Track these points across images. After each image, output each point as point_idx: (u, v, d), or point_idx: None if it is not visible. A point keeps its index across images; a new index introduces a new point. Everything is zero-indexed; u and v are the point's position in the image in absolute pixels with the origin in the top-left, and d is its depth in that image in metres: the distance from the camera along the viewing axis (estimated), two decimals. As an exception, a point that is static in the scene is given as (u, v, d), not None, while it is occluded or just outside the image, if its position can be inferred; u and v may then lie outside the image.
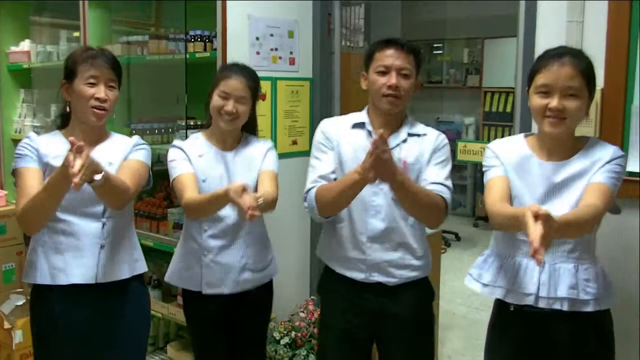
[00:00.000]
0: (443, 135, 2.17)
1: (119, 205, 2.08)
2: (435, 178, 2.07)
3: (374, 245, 2.11)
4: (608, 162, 1.83)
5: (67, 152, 1.76)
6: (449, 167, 2.12)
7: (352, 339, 2.20)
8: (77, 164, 1.72)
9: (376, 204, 2.08)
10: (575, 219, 1.71)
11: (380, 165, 1.78)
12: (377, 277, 2.12)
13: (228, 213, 2.27)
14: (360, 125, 2.17)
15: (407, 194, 1.92)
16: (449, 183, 2.09)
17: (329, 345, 2.28)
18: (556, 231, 1.57)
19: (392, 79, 2.04)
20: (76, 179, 1.70)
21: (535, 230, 1.51)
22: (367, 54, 2.13)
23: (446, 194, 2.05)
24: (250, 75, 2.31)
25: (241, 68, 2.32)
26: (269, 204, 2.20)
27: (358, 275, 2.14)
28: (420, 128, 2.16)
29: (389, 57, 2.05)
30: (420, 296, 2.19)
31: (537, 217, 1.53)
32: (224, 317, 2.38)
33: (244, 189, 1.93)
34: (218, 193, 2.06)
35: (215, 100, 2.25)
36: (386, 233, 2.10)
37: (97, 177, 1.84)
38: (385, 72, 2.06)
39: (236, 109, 2.25)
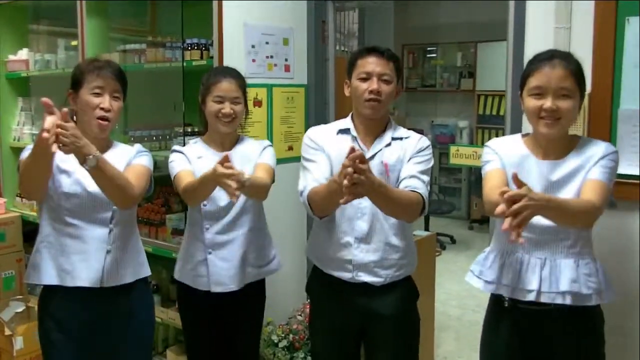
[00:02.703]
0: (425, 138, 2.24)
1: (125, 202, 2.10)
2: (410, 171, 2.13)
3: (360, 245, 2.17)
4: (602, 157, 1.89)
5: (46, 117, 1.77)
6: (427, 167, 2.18)
7: (340, 337, 2.28)
8: (48, 120, 1.73)
9: (362, 206, 2.13)
10: (570, 205, 1.78)
11: (357, 187, 1.78)
12: (363, 277, 2.17)
13: (227, 209, 2.35)
14: (345, 131, 2.24)
15: (382, 196, 1.94)
16: (425, 178, 2.14)
17: (319, 343, 2.36)
18: (541, 208, 1.62)
19: (374, 84, 2.12)
20: (45, 135, 1.71)
21: (501, 208, 1.58)
22: (350, 62, 2.22)
23: (421, 188, 2.09)
24: (238, 75, 2.40)
25: (227, 70, 2.42)
26: (259, 189, 2.27)
27: (345, 275, 2.19)
28: (403, 132, 2.23)
29: (371, 64, 2.14)
30: (404, 296, 2.25)
31: (513, 200, 1.58)
32: (218, 312, 2.44)
33: (226, 160, 2.00)
34: (206, 172, 2.11)
35: (211, 105, 2.33)
36: (371, 233, 2.16)
37: (89, 157, 1.86)
38: (367, 78, 2.13)
39: (233, 110, 2.33)
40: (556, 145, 1.95)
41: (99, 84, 2.10)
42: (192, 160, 2.37)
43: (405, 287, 2.26)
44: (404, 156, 2.17)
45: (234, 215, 2.38)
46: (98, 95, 2.10)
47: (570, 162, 1.92)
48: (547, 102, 1.85)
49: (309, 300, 3.32)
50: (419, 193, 2.08)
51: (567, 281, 1.89)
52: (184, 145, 2.84)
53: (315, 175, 2.16)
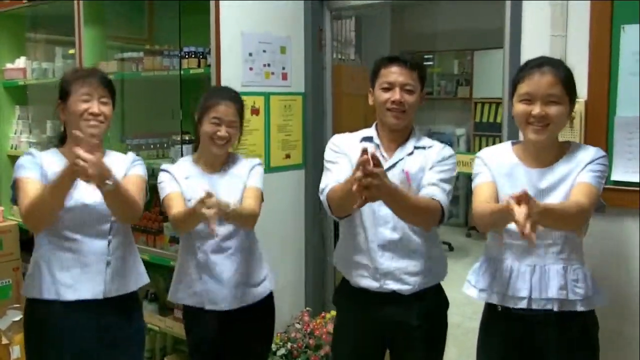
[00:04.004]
0: (449, 148, 2.22)
1: (130, 217, 2.13)
2: (430, 179, 2.11)
3: (385, 253, 2.14)
4: (590, 162, 1.91)
5: (75, 149, 1.80)
6: (449, 175, 2.15)
7: (366, 350, 2.25)
8: (88, 156, 1.79)
9: (383, 213, 2.11)
10: (560, 209, 1.78)
11: (370, 191, 1.77)
12: (391, 285, 2.15)
13: (217, 229, 2.31)
14: (368, 139, 2.22)
15: (398, 202, 1.93)
16: (446, 186, 2.11)
17: (342, 354, 2.32)
18: (540, 215, 1.62)
19: (396, 94, 2.10)
20: (81, 164, 1.77)
21: (520, 211, 1.58)
22: (373, 71, 2.20)
23: (440, 195, 2.07)
24: (237, 99, 2.38)
25: (227, 92, 2.39)
26: (246, 219, 2.26)
27: (372, 285, 2.17)
28: (426, 141, 2.22)
29: (393, 73, 2.12)
30: (434, 306, 2.23)
31: (519, 200, 1.60)
32: (223, 333, 2.41)
33: (208, 196, 2.00)
34: (190, 208, 2.12)
35: (207, 127, 2.30)
36: (397, 241, 2.14)
37: (108, 182, 1.89)
38: (389, 88, 2.12)
39: (228, 133, 2.31)
40: (546, 152, 1.96)
41: (86, 91, 2.10)
42: (179, 180, 2.35)
43: (434, 296, 2.23)
44: (426, 165, 2.15)
45: (223, 235, 2.33)
46: (86, 101, 2.10)
47: (559, 170, 1.94)
48: (536, 109, 1.87)
49: (307, 309, 3.33)
50: (438, 201, 2.06)
51: (555, 288, 1.91)
52: (182, 153, 2.85)
53: (336, 175, 2.14)
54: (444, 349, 2.30)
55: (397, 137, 2.20)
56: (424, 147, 2.19)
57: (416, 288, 2.16)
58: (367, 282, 2.18)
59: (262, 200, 2.39)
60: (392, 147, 2.19)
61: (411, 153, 2.17)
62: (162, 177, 2.38)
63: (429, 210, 2.04)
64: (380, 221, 2.14)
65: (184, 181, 2.35)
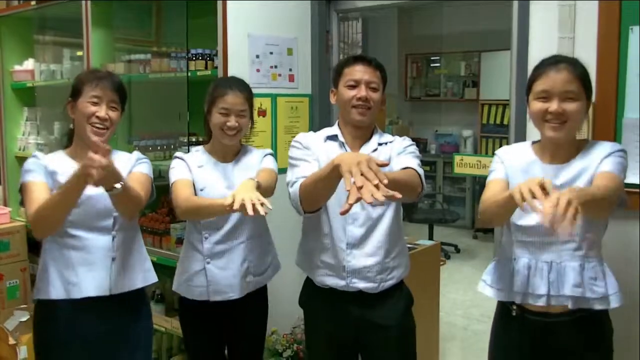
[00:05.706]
0: (408, 138, 2.27)
1: (132, 214, 2.15)
2: (401, 159, 2.14)
3: (353, 251, 2.16)
4: (608, 155, 1.89)
5: (90, 154, 1.81)
6: (417, 155, 2.18)
7: (337, 348, 2.26)
8: (99, 159, 1.78)
9: (353, 211, 2.07)
10: (595, 192, 1.73)
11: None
12: (357, 284, 2.16)
13: (227, 218, 2.33)
14: (333, 138, 2.25)
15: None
16: (418, 161, 2.15)
17: (317, 355, 2.34)
18: (582, 203, 1.56)
19: (362, 91, 2.15)
20: (93, 171, 1.77)
21: (547, 202, 1.53)
22: (336, 71, 2.24)
23: (414, 166, 2.09)
24: (245, 88, 2.38)
25: (235, 82, 2.39)
26: (264, 190, 2.23)
27: (338, 283, 2.18)
28: (388, 137, 2.26)
29: (358, 71, 2.16)
30: (400, 305, 2.24)
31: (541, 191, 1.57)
32: (219, 322, 2.43)
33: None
34: (218, 203, 2.10)
35: (217, 117, 2.31)
36: (364, 239, 2.16)
37: (117, 185, 1.91)
38: (354, 86, 2.16)
39: (238, 123, 2.31)
40: (564, 150, 1.95)
41: (96, 94, 2.11)
42: (192, 168, 2.36)
43: (400, 294, 2.24)
44: (391, 156, 2.18)
45: (233, 224, 2.35)
46: (95, 104, 2.11)
47: (575, 166, 1.92)
48: (553, 105, 1.85)
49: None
50: (413, 169, 2.08)
51: (570, 286, 1.89)
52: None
53: (305, 172, 2.11)
54: (415, 347, 2.30)
55: (361, 134, 2.23)
56: (386, 143, 2.23)
57: (382, 286, 2.17)
58: (333, 280, 2.19)
59: (275, 184, 2.38)
60: (356, 145, 2.22)
61: (375, 149, 2.21)
62: (175, 163, 2.38)
63: (410, 180, 2.04)
64: (349, 219, 2.15)
65: (196, 169, 2.36)
